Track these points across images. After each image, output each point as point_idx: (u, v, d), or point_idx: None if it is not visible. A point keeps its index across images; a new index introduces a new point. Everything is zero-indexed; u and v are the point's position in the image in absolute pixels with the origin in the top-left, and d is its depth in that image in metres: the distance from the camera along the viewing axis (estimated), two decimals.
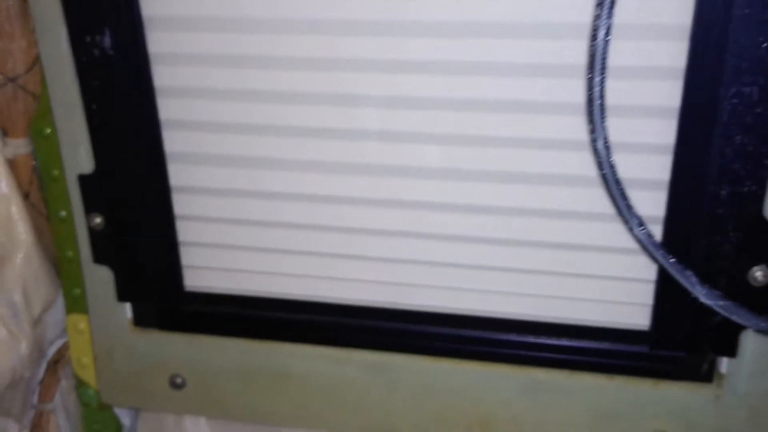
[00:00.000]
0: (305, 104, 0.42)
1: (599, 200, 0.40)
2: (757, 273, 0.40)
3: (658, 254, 0.37)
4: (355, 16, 0.39)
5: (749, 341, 0.41)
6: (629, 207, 0.36)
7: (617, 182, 0.36)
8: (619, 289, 0.42)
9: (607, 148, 0.35)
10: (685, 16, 0.36)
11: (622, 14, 0.36)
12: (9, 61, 0.44)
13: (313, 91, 0.41)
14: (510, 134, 0.40)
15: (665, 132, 0.38)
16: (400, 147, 0.42)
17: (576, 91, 0.38)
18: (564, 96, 0.38)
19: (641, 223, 0.36)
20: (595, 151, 0.35)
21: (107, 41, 0.42)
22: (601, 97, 0.33)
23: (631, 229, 0.37)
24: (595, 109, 0.33)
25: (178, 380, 0.51)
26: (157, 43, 0.43)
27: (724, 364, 0.43)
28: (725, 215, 0.39)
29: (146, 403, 0.53)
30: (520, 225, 0.42)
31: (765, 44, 0.35)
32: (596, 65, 0.32)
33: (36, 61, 0.45)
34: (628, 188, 0.39)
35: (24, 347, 0.47)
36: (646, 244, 0.37)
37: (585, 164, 0.39)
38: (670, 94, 0.37)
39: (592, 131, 0.34)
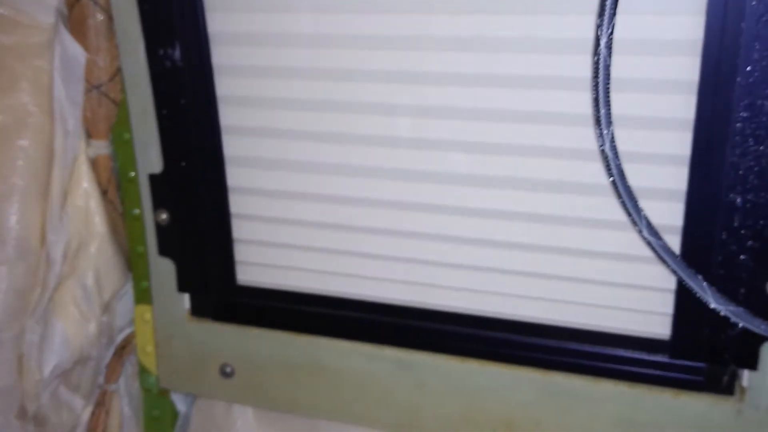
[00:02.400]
0: (349, 112, 0.46)
1: (617, 209, 0.42)
2: None
3: (667, 257, 0.38)
4: (390, 33, 0.43)
5: None
6: (638, 210, 0.38)
7: (626, 186, 0.37)
8: (639, 298, 0.44)
9: (614, 152, 0.37)
10: (697, 32, 0.38)
11: (637, 30, 0.38)
12: (95, 70, 0.50)
13: (352, 100, 0.45)
14: (534, 143, 0.43)
15: (682, 143, 0.40)
16: (430, 154, 0.45)
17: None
18: (584, 108, 0.41)
19: (650, 225, 0.38)
20: (603, 156, 0.37)
21: (177, 54, 0.48)
22: (607, 101, 0.35)
23: (640, 232, 0.38)
24: (601, 114, 0.36)
25: (228, 369, 0.55)
26: (220, 56, 0.48)
27: (745, 376, 0.43)
28: (741, 226, 0.40)
29: (199, 389, 0.57)
30: (543, 231, 0.44)
31: None
32: (600, 71, 0.35)
33: (117, 72, 0.51)
34: (645, 198, 0.41)
35: (92, 327, 0.53)
36: (654, 247, 0.38)
37: (603, 173, 0.41)
38: (685, 106, 0.39)
39: (599, 136, 0.36)
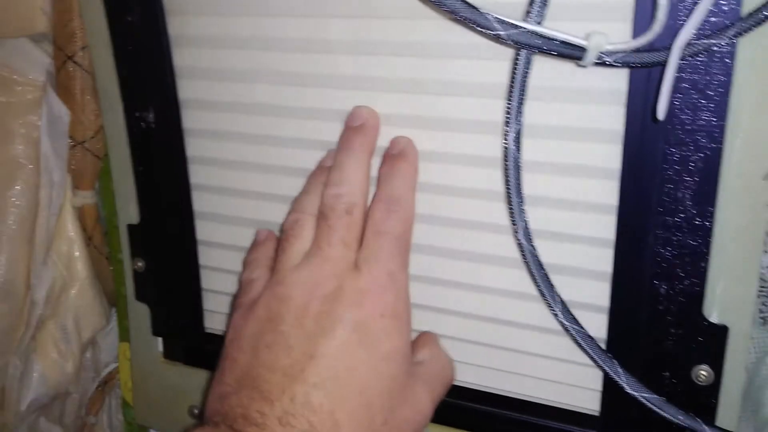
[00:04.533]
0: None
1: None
2: (701, 372, 0.41)
3: (582, 341, 0.39)
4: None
5: None
6: (553, 295, 0.39)
7: (541, 273, 0.39)
8: (570, 372, 0.44)
9: (528, 237, 0.38)
10: (617, 123, 0.39)
11: (557, 117, 0.40)
12: (79, 127, 0.54)
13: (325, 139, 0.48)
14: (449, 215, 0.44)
15: (608, 227, 0.41)
16: None
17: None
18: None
19: (565, 309, 0.39)
20: (517, 243, 0.38)
21: (151, 117, 0.51)
22: (518, 190, 0.37)
23: (555, 315, 0.39)
24: (513, 202, 0.37)
25: (196, 411, 0.57)
26: (191, 120, 0.51)
27: None
28: (665, 313, 0.40)
29: (170, 428, 0.60)
30: (478, 300, 0.45)
31: (693, 152, 0.37)
32: (510, 163, 0.36)
33: (100, 129, 0.54)
34: (573, 276, 0.42)
35: (70, 366, 0.56)
36: (569, 330, 0.39)
37: None
38: (611, 191, 0.40)
39: (513, 223, 0.38)
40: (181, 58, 0.49)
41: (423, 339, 0.46)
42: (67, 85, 0.53)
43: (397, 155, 0.44)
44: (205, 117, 0.50)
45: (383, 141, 0.45)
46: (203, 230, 0.54)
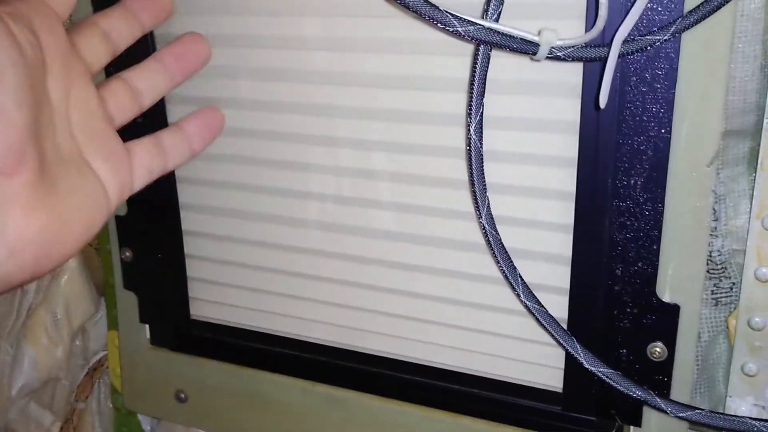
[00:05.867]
0: (298, 170, 0.51)
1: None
2: (655, 348, 0.43)
3: (542, 319, 0.42)
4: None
5: (653, 413, 0.45)
6: (515, 275, 0.41)
7: (503, 255, 0.41)
8: (535, 351, 0.47)
9: (491, 221, 0.40)
10: (574, 114, 0.41)
11: (517, 109, 0.42)
12: None
13: (310, 163, 0.50)
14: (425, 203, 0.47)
15: (567, 213, 0.43)
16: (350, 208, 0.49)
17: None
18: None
19: (527, 289, 0.42)
20: (480, 225, 0.41)
21: None
22: (481, 176, 0.39)
23: (518, 295, 0.42)
24: (477, 189, 0.40)
25: (182, 395, 0.60)
26: (176, 114, 0.53)
27: None
28: (621, 293, 0.43)
29: (158, 412, 0.62)
30: (447, 284, 0.48)
31: (643, 141, 0.40)
32: (473, 151, 0.39)
33: None
34: (537, 260, 0.45)
35: (60, 352, 0.59)
36: (531, 309, 0.42)
37: None
38: (570, 178, 0.43)
39: (477, 208, 0.40)
40: None
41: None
42: None
43: None
44: (189, 111, 0.52)
45: (359, 134, 0.47)
46: (188, 221, 0.56)
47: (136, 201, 0.56)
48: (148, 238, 0.57)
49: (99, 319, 0.64)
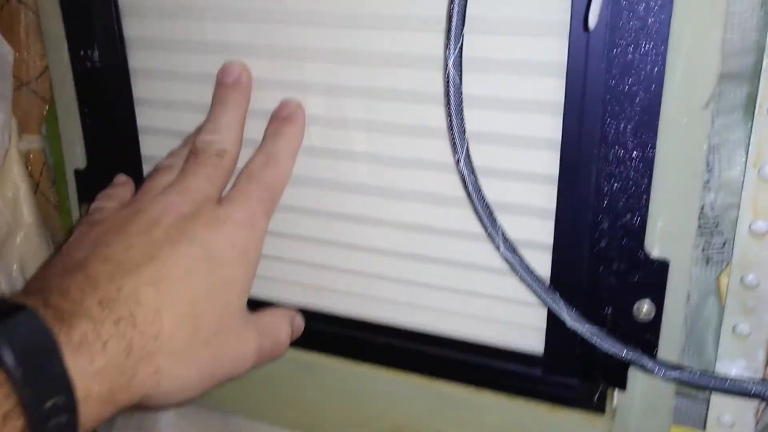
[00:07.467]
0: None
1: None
2: (643, 306, 0.41)
3: (524, 274, 0.39)
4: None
5: (639, 375, 0.42)
6: (495, 226, 0.39)
7: (483, 203, 0.38)
8: (515, 311, 0.44)
9: (470, 167, 0.38)
10: (560, 55, 0.38)
11: (502, 51, 0.39)
12: (24, 68, 0.53)
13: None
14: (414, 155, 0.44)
15: (551, 163, 0.41)
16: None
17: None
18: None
19: (507, 241, 0.39)
20: (459, 173, 0.38)
21: (96, 55, 0.50)
22: (459, 116, 0.36)
23: (498, 248, 0.39)
24: (456, 135, 0.37)
25: None
26: (137, 59, 0.50)
27: (616, 396, 0.44)
28: (608, 248, 0.40)
29: None
30: (422, 241, 0.45)
31: (635, 82, 0.37)
32: (451, 89, 0.36)
33: (46, 69, 0.53)
34: (518, 214, 0.42)
35: None
36: (511, 263, 0.39)
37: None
38: (555, 126, 0.40)
39: (455, 152, 0.37)
40: None
41: (277, 309, 0.47)
42: (11, 23, 0.52)
43: (285, 118, 0.45)
44: (152, 56, 0.49)
45: (331, 79, 0.44)
46: None
47: (96, 153, 0.53)
48: None
49: None
